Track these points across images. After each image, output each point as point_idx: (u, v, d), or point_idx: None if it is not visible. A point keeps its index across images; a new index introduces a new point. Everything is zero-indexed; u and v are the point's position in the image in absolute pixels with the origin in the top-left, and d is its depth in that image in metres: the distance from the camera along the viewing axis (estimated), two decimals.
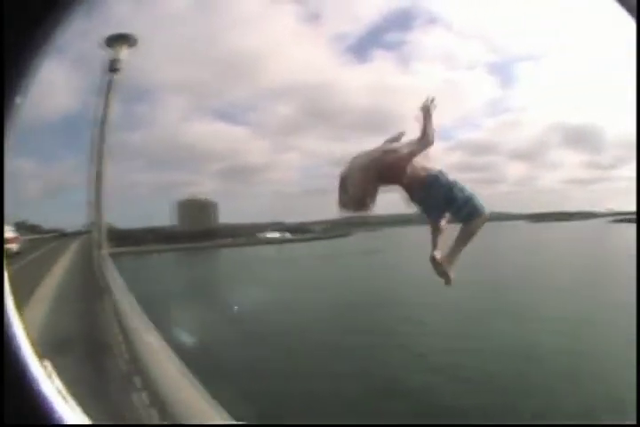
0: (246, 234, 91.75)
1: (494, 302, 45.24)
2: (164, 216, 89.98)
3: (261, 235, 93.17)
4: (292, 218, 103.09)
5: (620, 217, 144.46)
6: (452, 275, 4.49)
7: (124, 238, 65.57)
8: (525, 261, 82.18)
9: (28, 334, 2.29)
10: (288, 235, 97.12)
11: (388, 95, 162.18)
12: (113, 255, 33.57)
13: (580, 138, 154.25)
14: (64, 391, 2.36)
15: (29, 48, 2.12)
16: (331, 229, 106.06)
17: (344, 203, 4.43)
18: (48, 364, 2.37)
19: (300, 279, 56.08)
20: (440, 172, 4.62)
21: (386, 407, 22.51)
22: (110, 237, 41.76)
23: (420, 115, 4.47)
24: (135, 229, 76.76)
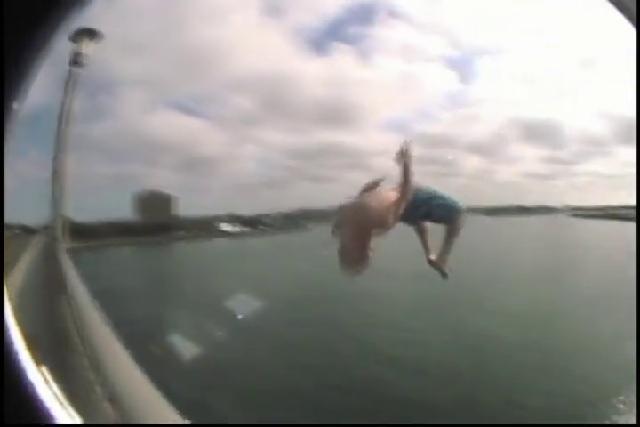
0: (203, 227, 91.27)
1: (450, 295, 46.21)
2: (123, 209, 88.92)
3: (217, 227, 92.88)
4: (248, 210, 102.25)
5: (578, 212, 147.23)
6: (447, 270, 5.63)
7: (83, 232, 64.81)
8: (482, 255, 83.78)
9: (26, 339, 2.45)
10: (243, 228, 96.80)
11: (347, 88, 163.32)
12: (72, 250, 33.75)
13: (540, 133, 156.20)
14: (60, 396, 2.48)
15: (28, 50, 2.16)
16: (287, 221, 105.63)
17: (346, 266, 4.78)
18: (45, 369, 2.49)
19: (255, 273, 55.92)
20: (417, 189, 5.18)
21: (340, 400, 23.16)
22: (69, 231, 41.50)
23: (398, 162, 4.93)
24: (94, 223, 75.88)
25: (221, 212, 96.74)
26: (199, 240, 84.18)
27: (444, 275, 5.71)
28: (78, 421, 2.59)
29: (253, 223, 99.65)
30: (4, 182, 2.51)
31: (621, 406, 21.64)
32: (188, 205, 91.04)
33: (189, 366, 25.06)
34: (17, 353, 2.37)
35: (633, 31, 2.37)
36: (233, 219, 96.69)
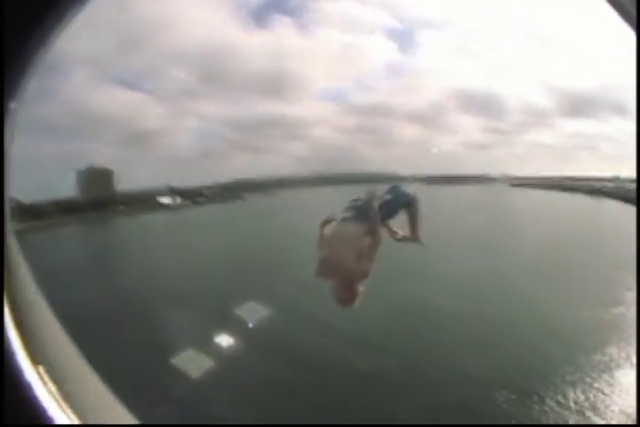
0: (144, 201, 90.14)
1: (391, 264, 47.01)
2: (68, 187, 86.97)
3: (156, 201, 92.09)
4: (188, 183, 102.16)
5: (518, 182, 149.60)
6: (422, 241, 6.19)
7: (28, 213, 63.71)
8: (420, 225, 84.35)
9: (23, 340, 2.48)
10: (183, 200, 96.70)
11: (287, 59, 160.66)
12: (18, 232, 33.03)
13: (480, 103, 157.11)
14: (57, 395, 2.50)
15: (26, 50, 2.16)
16: (225, 193, 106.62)
17: (340, 304, 5.31)
18: (42, 369, 2.51)
19: (194, 245, 55.95)
20: (369, 196, 5.59)
21: (283, 373, 23.97)
22: (17, 212, 40.89)
23: (367, 211, 5.39)
24: (40, 203, 74.33)
25: (161, 185, 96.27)
26: (140, 214, 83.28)
27: (420, 242, 6.35)
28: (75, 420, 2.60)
29: (192, 196, 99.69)
30: (4, 182, 2.69)
31: (570, 377, 22.54)
32: (129, 180, 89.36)
33: (130, 339, 25.92)
34: (14, 353, 2.45)
35: (632, 35, 2.45)
36: (172, 192, 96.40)
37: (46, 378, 2.55)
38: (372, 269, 5.16)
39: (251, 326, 30.95)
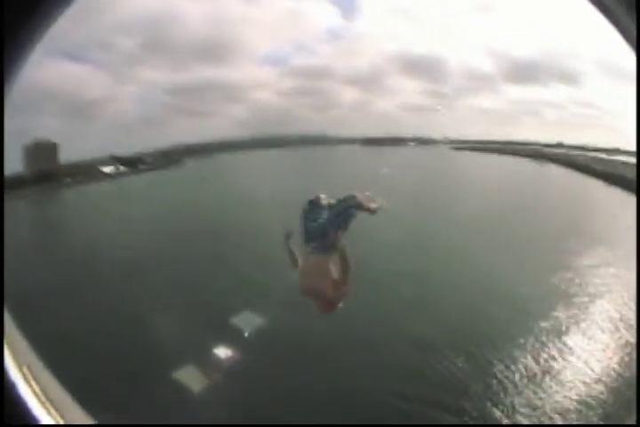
0: (86, 171, 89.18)
1: None
2: (14, 162, 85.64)
3: (99, 170, 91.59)
4: (130, 149, 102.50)
5: (459, 145, 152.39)
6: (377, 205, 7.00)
7: None
8: (361, 186, 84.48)
9: (7, 340, 2.39)
10: (124, 168, 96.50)
11: (228, 25, 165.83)
12: None
13: (421, 67, 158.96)
14: (42, 395, 2.42)
15: (17, 45, 2.15)
16: (166, 158, 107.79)
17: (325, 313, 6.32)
18: (27, 369, 2.43)
19: (135, 214, 55.72)
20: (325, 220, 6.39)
21: (219, 334, 23.42)
22: None
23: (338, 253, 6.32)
24: None
25: (104, 155, 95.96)
26: (84, 185, 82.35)
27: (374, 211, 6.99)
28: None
29: (134, 163, 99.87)
30: (4, 181, 3.62)
31: (519, 341, 21.95)
32: (74, 152, 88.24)
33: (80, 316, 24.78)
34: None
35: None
36: (115, 161, 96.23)
37: (30, 378, 2.46)
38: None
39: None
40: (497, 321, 25.16)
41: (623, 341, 23.71)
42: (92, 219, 54.05)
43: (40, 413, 2.40)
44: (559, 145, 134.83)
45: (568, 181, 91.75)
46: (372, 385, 20.32)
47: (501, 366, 21.66)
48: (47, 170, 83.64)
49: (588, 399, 19.58)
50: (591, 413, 18.89)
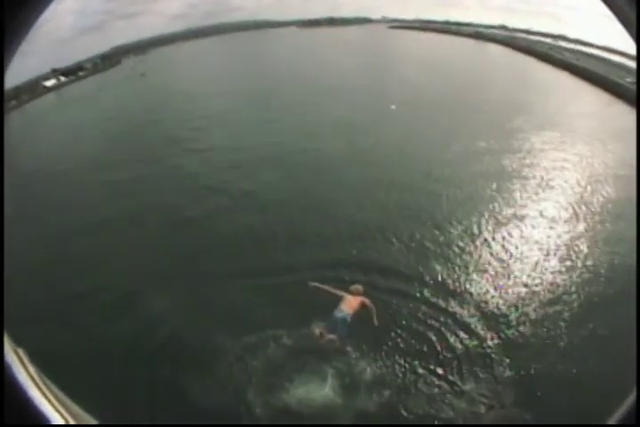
0: (30, 90, 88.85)
1: (265, 111, 45.22)
2: None
3: (40, 86, 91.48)
4: (70, 61, 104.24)
5: (396, 24, 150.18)
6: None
7: None
8: (297, 67, 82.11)
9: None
10: (64, 78, 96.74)
11: None
12: None
13: None
14: (37, 379, 2.33)
15: (10, 35, 2.01)
16: (104, 62, 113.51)
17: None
18: (21, 351, 2.34)
19: (77, 121, 55.22)
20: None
21: (175, 237, 22.38)
22: None
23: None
24: None
25: (45, 70, 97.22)
26: (28, 103, 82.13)
27: None
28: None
29: (74, 72, 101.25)
30: (4, 182, 2.95)
31: (431, 245, 20.90)
32: (16, 75, 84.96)
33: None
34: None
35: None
36: (56, 74, 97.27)
37: (25, 361, 2.37)
38: None
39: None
40: (444, 202, 24.24)
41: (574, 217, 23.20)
42: (39, 133, 52.99)
43: (36, 397, 2.22)
44: (502, 27, 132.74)
45: (512, 60, 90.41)
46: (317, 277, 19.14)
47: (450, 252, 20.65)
48: None
49: None
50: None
